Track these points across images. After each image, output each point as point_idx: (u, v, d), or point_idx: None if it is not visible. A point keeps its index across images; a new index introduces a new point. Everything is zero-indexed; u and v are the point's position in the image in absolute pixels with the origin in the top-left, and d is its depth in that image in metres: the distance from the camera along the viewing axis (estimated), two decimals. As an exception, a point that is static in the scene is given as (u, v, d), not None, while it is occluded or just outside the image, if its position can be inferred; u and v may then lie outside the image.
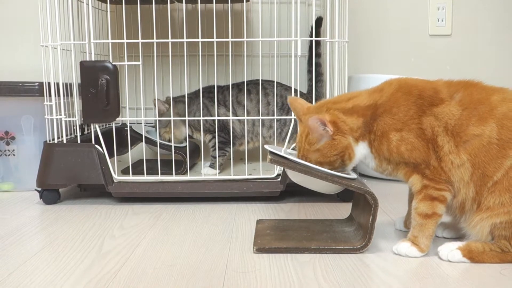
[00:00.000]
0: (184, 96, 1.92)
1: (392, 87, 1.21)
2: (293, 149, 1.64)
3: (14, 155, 1.88)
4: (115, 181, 1.69)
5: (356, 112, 1.21)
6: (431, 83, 1.21)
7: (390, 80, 1.24)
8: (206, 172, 1.85)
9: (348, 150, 1.20)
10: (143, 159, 1.75)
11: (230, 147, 1.88)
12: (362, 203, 1.32)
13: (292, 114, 1.73)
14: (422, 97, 1.17)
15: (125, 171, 1.82)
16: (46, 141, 1.74)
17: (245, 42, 1.73)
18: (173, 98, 1.86)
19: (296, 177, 1.27)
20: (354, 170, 1.34)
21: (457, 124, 1.14)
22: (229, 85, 1.86)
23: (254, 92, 1.89)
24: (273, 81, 1.89)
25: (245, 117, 1.85)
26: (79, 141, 1.72)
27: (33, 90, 1.81)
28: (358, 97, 1.24)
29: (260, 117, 1.84)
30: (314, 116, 1.18)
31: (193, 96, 1.93)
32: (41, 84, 1.78)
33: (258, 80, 1.88)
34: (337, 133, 1.19)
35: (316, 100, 1.80)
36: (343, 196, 1.71)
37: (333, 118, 1.20)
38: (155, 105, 1.91)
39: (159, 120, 1.90)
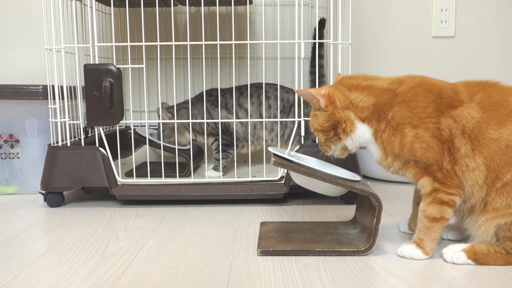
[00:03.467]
0: (185, 102, 1.93)
1: (414, 81, 1.20)
2: (296, 151, 1.64)
3: (18, 158, 1.89)
4: (119, 183, 1.70)
5: (368, 90, 1.21)
6: (451, 84, 1.20)
7: (413, 75, 1.23)
8: (210, 175, 1.85)
9: (343, 124, 1.21)
10: (147, 162, 1.75)
11: (233, 149, 1.88)
12: (366, 205, 1.32)
13: (296, 116, 1.74)
14: (441, 97, 1.16)
15: (129, 174, 1.82)
16: (50, 144, 1.74)
17: (248, 44, 1.73)
18: (176, 105, 1.86)
19: (299, 179, 1.27)
20: (358, 172, 1.34)
21: (476, 128, 1.13)
22: (230, 88, 1.86)
23: (255, 95, 1.89)
24: (274, 84, 1.89)
25: (248, 120, 1.85)
26: (83, 144, 1.73)
27: (37, 93, 1.82)
28: (378, 80, 1.24)
29: (264, 120, 1.84)
30: (302, 91, 1.25)
31: (194, 100, 1.93)
32: (45, 87, 1.79)
33: (259, 83, 1.88)
34: (329, 105, 1.22)
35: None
36: (347, 198, 1.71)
37: (329, 91, 1.23)
38: (158, 115, 1.90)
39: (162, 131, 1.90)
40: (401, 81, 1.21)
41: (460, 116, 1.14)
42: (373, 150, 1.23)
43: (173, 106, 1.88)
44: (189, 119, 1.84)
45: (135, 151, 1.85)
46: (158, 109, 1.89)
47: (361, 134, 1.22)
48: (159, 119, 1.90)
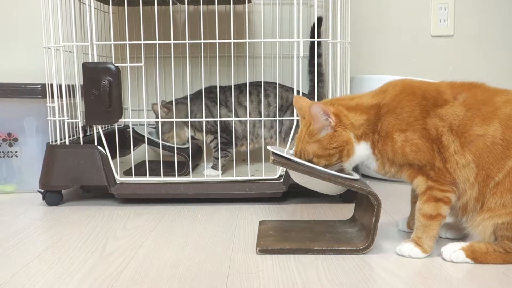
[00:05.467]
0: (184, 97, 1.92)
1: (396, 89, 1.21)
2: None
3: (17, 156, 1.88)
4: (117, 182, 1.69)
5: (360, 109, 1.21)
6: (434, 85, 1.21)
7: (394, 82, 1.24)
8: (209, 173, 1.85)
9: (348, 145, 1.20)
10: (145, 161, 1.75)
11: (232, 148, 1.88)
12: (365, 204, 1.32)
13: (295, 115, 1.74)
14: (426, 98, 1.17)
15: (127, 173, 1.82)
16: (49, 142, 1.74)
17: (247, 43, 1.73)
18: (174, 100, 1.86)
19: (298, 178, 1.27)
20: (357, 170, 1.34)
21: (461, 125, 1.14)
22: (230, 86, 1.86)
23: (254, 93, 1.89)
24: (274, 83, 1.89)
25: (247, 118, 1.85)
26: (81, 143, 1.72)
27: (35, 92, 1.82)
28: (362, 97, 1.25)
29: (263, 118, 1.84)
30: (317, 104, 1.19)
31: (194, 96, 1.93)
32: (43, 85, 1.79)
33: (259, 81, 1.88)
34: (339, 125, 1.20)
35: (318, 100, 1.80)
36: (346, 197, 1.71)
37: (336, 111, 1.21)
38: (154, 110, 1.91)
39: (161, 126, 1.90)
40: (384, 91, 1.22)
41: (446, 114, 1.15)
42: (370, 162, 1.24)
43: (171, 102, 1.88)
44: (187, 114, 1.83)
45: (134, 150, 1.84)
46: (154, 104, 1.88)
47: (361, 152, 1.22)
48: (155, 114, 1.90)
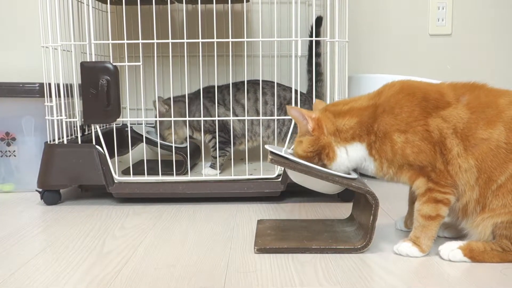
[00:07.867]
0: (183, 95, 1.92)
1: (393, 89, 1.20)
2: (293, 149, 1.64)
3: (15, 156, 1.88)
4: (116, 181, 1.69)
5: (350, 113, 1.22)
6: (435, 86, 1.20)
7: (391, 82, 1.23)
8: (207, 173, 1.85)
9: (326, 150, 1.21)
10: (143, 160, 1.75)
11: (230, 147, 1.89)
12: (363, 203, 1.32)
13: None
14: (426, 99, 1.16)
15: (125, 172, 1.82)
16: (47, 142, 1.74)
17: (245, 42, 1.73)
18: (173, 98, 1.86)
19: (296, 177, 1.27)
20: (355, 170, 1.34)
21: (466, 128, 1.13)
22: (227, 85, 1.86)
23: (252, 91, 1.89)
24: (271, 82, 1.89)
25: (246, 117, 1.85)
26: (79, 142, 1.72)
27: (33, 91, 1.81)
28: (358, 100, 1.25)
29: (261, 117, 1.84)
30: (295, 108, 1.24)
31: (193, 96, 1.93)
32: (41, 85, 1.78)
33: (256, 80, 1.88)
34: (317, 130, 1.22)
35: (316, 99, 1.80)
36: (344, 196, 1.71)
37: (320, 117, 1.23)
38: (155, 107, 1.91)
39: (161, 123, 1.90)
40: (380, 93, 1.22)
41: (450, 116, 1.14)
42: (368, 164, 1.23)
43: (169, 98, 1.88)
44: (186, 112, 1.83)
45: (132, 149, 1.84)
46: (154, 101, 1.89)
47: (352, 153, 1.21)
48: (155, 110, 1.90)
